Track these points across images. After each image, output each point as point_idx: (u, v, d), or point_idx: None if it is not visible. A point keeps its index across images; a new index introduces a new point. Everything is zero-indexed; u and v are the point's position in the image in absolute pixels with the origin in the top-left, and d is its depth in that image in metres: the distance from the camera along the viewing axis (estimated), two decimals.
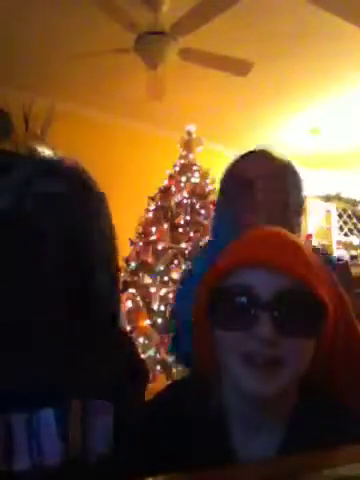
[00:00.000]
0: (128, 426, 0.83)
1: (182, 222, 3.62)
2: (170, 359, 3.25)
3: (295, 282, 0.70)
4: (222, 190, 1.45)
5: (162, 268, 3.49)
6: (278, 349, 0.69)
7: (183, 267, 3.47)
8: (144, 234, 3.66)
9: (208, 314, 0.76)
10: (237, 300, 0.72)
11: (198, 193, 3.76)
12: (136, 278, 3.52)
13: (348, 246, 6.51)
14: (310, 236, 6.04)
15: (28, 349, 0.79)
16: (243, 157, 1.45)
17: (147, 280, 3.48)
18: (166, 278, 3.45)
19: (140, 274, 3.51)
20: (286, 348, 0.69)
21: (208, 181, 3.86)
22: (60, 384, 0.79)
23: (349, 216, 6.74)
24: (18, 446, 0.75)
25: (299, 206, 1.37)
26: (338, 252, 6.29)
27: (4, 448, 0.74)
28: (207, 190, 3.81)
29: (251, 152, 1.46)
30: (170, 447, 0.76)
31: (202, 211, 3.71)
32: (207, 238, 3.60)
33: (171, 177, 3.81)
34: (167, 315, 3.34)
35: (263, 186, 1.31)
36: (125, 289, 3.47)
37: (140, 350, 3.22)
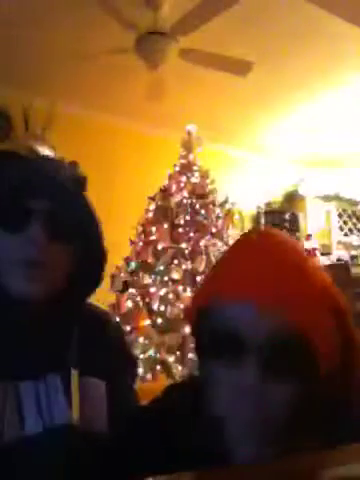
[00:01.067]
0: (121, 416, 0.85)
1: (182, 222, 3.61)
2: (170, 359, 3.25)
3: (287, 323, 0.63)
4: None
5: (162, 268, 3.49)
6: (262, 397, 0.64)
7: (183, 267, 3.47)
8: (144, 234, 3.66)
9: (197, 335, 0.74)
10: (222, 340, 0.66)
11: (198, 193, 3.76)
12: (136, 278, 3.51)
13: (348, 246, 6.51)
14: (310, 236, 6.04)
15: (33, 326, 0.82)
16: None
17: (147, 280, 3.48)
18: (166, 278, 3.45)
19: (140, 274, 3.51)
20: (271, 396, 0.65)
21: (208, 181, 3.85)
22: (61, 356, 0.82)
23: (349, 216, 6.74)
24: (28, 411, 0.77)
25: None
26: (338, 252, 6.29)
27: (16, 415, 0.76)
28: (207, 190, 3.81)
29: None
30: (169, 448, 0.76)
31: (202, 211, 3.71)
32: (207, 238, 3.60)
33: (171, 177, 3.81)
34: (167, 315, 3.34)
35: None
36: (125, 289, 3.47)
37: (140, 350, 3.22)
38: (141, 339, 3.27)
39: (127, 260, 3.59)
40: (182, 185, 3.75)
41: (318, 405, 0.71)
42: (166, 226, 3.61)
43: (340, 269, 4.43)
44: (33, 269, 0.79)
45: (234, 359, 0.64)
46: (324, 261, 5.56)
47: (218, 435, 0.77)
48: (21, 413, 0.77)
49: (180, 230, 3.59)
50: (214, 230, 3.69)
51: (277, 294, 0.63)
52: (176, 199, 3.69)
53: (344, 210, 6.69)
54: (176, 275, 3.43)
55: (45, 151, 3.28)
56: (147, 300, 3.42)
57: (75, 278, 0.86)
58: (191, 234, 3.58)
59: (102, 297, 1.24)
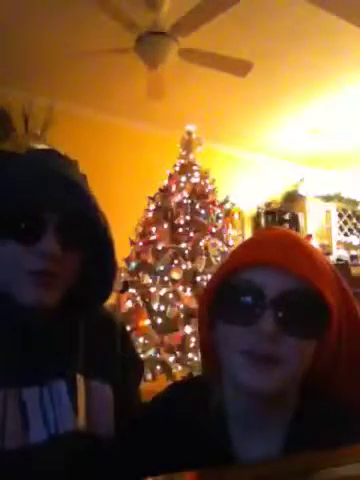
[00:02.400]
0: (127, 417, 0.84)
1: (182, 222, 3.61)
2: (170, 359, 3.25)
3: (301, 283, 0.71)
4: None
5: (162, 268, 3.48)
6: (278, 347, 0.69)
7: (183, 267, 3.47)
8: (144, 234, 3.66)
9: (214, 308, 0.77)
10: (243, 296, 0.73)
11: (198, 193, 3.76)
12: (136, 278, 3.51)
13: (348, 246, 6.52)
14: (310, 236, 6.04)
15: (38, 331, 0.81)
16: None
17: (147, 280, 3.48)
18: (166, 278, 3.45)
19: (140, 274, 3.51)
20: (286, 347, 0.70)
21: (208, 181, 3.85)
22: (66, 361, 0.81)
23: (349, 216, 6.75)
24: (32, 417, 0.76)
25: None
26: (338, 252, 6.30)
27: (20, 422, 0.75)
28: (207, 190, 3.81)
29: None
30: (170, 447, 0.76)
31: (202, 211, 3.70)
32: (207, 238, 3.60)
33: (171, 177, 3.81)
34: (167, 315, 3.34)
35: None
36: (125, 289, 3.47)
37: (140, 350, 3.22)
38: (141, 339, 3.27)
39: (127, 260, 3.59)
40: (182, 185, 3.75)
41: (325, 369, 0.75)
42: (166, 226, 3.61)
43: (340, 269, 4.42)
44: (45, 278, 0.78)
45: (253, 313, 0.70)
46: None
47: (220, 434, 0.77)
48: (26, 419, 0.76)
49: (180, 230, 3.59)
50: (214, 230, 3.69)
51: (290, 259, 0.72)
52: (176, 199, 3.69)
53: (344, 210, 6.69)
54: (176, 275, 3.43)
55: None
56: (147, 300, 3.42)
57: (85, 284, 0.85)
58: (191, 234, 3.58)
59: None
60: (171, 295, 3.40)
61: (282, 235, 0.78)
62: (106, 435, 0.82)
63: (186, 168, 3.82)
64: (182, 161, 3.86)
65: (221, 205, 3.93)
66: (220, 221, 3.79)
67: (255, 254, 0.74)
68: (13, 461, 0.73)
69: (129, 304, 3.42)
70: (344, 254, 6.27)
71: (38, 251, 0.77)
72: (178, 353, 3.26)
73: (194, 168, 3.84)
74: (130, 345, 0.99)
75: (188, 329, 3.26)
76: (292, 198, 6.36)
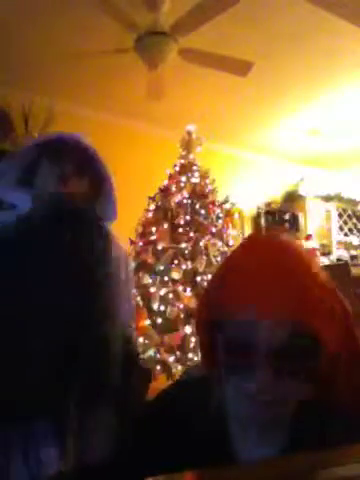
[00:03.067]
0: (130, 424, 0.84)
1: (182, 222, 3.61)
2: (170, 359, 3.25)
3: (295, 325, 0.68)
4: None
5: (162, 268, 3.49)
6: (274, 393, 0.69)
7: (183, 267, 3.47)
8: (144, 234, 3.66)
9: (211, 328, 0.76)
10: (236, 348, 0.71)
11: (198, 193, 3.76)
12: (136, 278, 3.51)
13: (348, 246, 6.51)
14: (310, 236, 6.04)
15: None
16: None
17: (147, 280, 3.48)
18: (166, 278, 3.45)
19: (140, 274, 3.51)
20: (283, 391, 0.69)
21: (208, 181, 3.85)
22: (58, 391, 0.81)
23: (349, 216, 6.74)
24: (14, 460, 0.76)
25: None
26: (338, 252, 6.29)
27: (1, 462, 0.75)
28: (207, 190, 3.81)
29: None
30: (170, 448, 0.76)
31: (202, 211, 3.71)
32: (207, 238, 3.60)
33: (171, 177, 3.81)
34: (167, 315, 3.34)
35: None
36: None
37: (140, 350, 3.22)
38: (141, 339, 3.27)
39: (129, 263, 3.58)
40: (182, 185, 3.75)
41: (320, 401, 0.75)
42: (166, 226, 3.61)
43: (340, 269, 4.42)
44: None
45: (249, 364, 0.69)
46: (324, 261, 5.56)
47: (220, 434, 0.77)
48: (7, 460, 0.75)
49: (180, 230, 3.59)
50: (214, 230, 3.69)
51: (280, 303, 0.67)
52: (176, 199, 3.69)
53: (344, 210, 6.69)
54: (176, 275, 3.43)
55: None
56: (147, 300, 3.42)
57: None
58: (191, 234, 3.58)
59: None
60: (171, 295, 3.40)
61: (268, 266, 0.71)
62: (102, 459, 0.82)
63: (186, 168, 3.82)
64: (182, 161, 3.86)
65: (221, 205, 3.93)
66: (220, 221, 3.79)
67: (241, 304, 0.70)
68: None
69: None
70: (344, 254, 6.26)
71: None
72: (178, 353, 3.26)
73: (194, 168, 3.84)
74: (135, 361, 1.00)
75: (188, 329, 3.26)
76: (292, 198, 6.36)
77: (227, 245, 3.71)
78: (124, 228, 3.64)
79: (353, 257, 6.14)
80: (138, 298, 3.42)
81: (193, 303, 3.27)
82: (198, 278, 3.45)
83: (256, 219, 6.13)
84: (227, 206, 4.00)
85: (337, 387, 0.77)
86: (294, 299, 0.68)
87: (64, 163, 1.29)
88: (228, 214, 3.98)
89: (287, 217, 6.19)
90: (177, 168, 3.84)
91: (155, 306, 3.38)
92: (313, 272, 0.72)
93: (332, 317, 0.72)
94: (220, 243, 3.68)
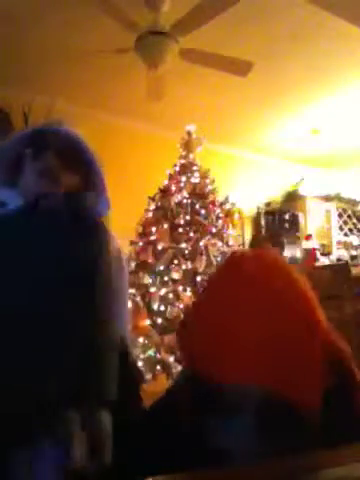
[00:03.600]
0: (128, 428, 0.84)
1: (182, 222, 3.61)
2: (170, 359, 3.25)
3: (273, 395, 0.69)
4: None
5: (162, 268, 3.49)
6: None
7: (183, 267, 3.47)
8: (144, 234, 3.66)
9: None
10: (215, 406, 0.73)
11: (198, 193, 3.76)
12: (136, 278, 3.51)
13: (348, 246, 6.51)
14: (310, 236, 6.04)
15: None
16: None
17: (147, 280, 3.48)
18: (166, 278, 3.45)
19: (140, 274, 3.51)
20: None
21: (208, 181, 3.85)
22: (62, 408, 0.80)
23: (349, 216, 6.74)
24: (39, 458, 0.76)
25: None
26: (338, 252, 6.29)
27: None
28: (207, 190, 3.81)
29: None
30: (170, 448, 0.76)
31: (202, 211, 3.70)
32: (207, 238, 3.60)
33: (171, 177, 3.81)
34: (167, 315, 3.34)
35: None
36: None
37: (140, 350, 3.22)
38: (141, 339, 3.26)
39: (127, 260, 3.58)
40: (182, 185, 3.75)
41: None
42: (166, 226, 3.61)
43: (340, 269, 4.42)
44: None
45: (228, 423, 0.70)
46: (324, 261, 5.56)
47: (219, 434, 0.77)
48: (30, 457, 0.76)
49: (180, 230, 3.59)
50: (214, 230, 3.69)
51: (261, 371, 0.69)
52: (176, 199, 3.69)
53: (344, 210, 6.69)
54: (176, 275, 3.43)
55: None
56: (147, 300, 3.42)
57: None
58: (191, 234, 3.58)
59: None
60: (171, 295, 3.39)
61: (249, 330, 0.72)
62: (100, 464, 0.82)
63: (186, 168, 3.82)
64: (182, 161, 3.86)
65: (221, 205, 3.92)
66: (220, 221, 3.79)
67: (233, 374, 0.71)
68: None
69: (129, 304, 3.41)
70: (344, 254, 6.26)
71: None
72: (178, 353, 3.26)
73: (194, 168, 3.84)
74: (129, 358, 1.02)
75: None
76: (292, 198, 6.35)
77: (227, 245, 3.71)
78: (124, 228, 3.65)
79: (353, 257, 6.13)
80: (138, 298, 3.42)
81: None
82: (198, 278, 3.45)
83: (256, 219, 6.13)
84: (227, 206, 3.99)
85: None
86: (272, 374, 0.69)
87: (48, 157, 1.19)
88: (228, 214, 3.97)
89: (287, 217, 6.19)
90: (177, 168, 3.84)
91: (155, 306, 3.38)
92: (292, 321, 0.72)
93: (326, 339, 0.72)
94: (220, 243, 3.68)
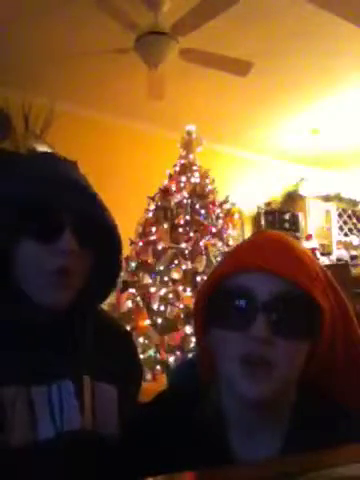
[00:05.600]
0: (127, 421, 0.85)
1: (182, 222, 3.61)
2: (170, 359, 3.25)
3: (292, 286, 0.71)
4: None
5: (162, 268, 3.49)
6: (272, 350, 0.70)
7: (183, 267, 3.47)
8: (144, 234, 3.66)
9: (207, 315, 0.77)
10: (235, 301, 0.73)
11: (198, 193, 3.76)
12: (136, 278, 3.51)
13: (348, 246, 6.51)
14: (310, 236, 6.04)
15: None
16: None
17: (147, 280, 3.48)
18: (166, 278, 3.45)
19: (140, 274, 3.51)
20: (280, 349, 0.70)
21: (208, 181, 3.85)
22: (74, 362, 0.82)
23: (349, 216, 6.74)
24: (41, 415, 0.77)
25: None
26: (338, 252, 6.29)
27: (29, 419, 0.76)
28: (207, 190, 3.81)
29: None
30: (169, 448, 0.76)
31: (202, 211, 3.71)
32: (207, 238, 3.60)
33: (171, 177, 3.81)
34: (167, 315, 3.34)
35: None
36: (125, 289, 3.47)
37: (140, 350, 3.22)
38: (141, 339, 3.26)
39: (127, 260, 3.59)
40: (182, 185, 3.75)
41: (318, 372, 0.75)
42: (166, 226, 3.61)
43: (340, 269, 4.42)
44: (63, 278, 0.79)
45: (246, 318, 0.70)
46: (324, 261, 5.56)
47: (218, 436, 0.77)
48: (34, 417, 0.77)
49: (180, 230, 3.59)
50: (214, 230, 3.69)
51: (280, 263, 0.72)
52: (176, 199, 3.69)
53: (344, 210, 6.69)
54: (176, 275, 3.43)
55: (45, 150, 3.28)
56: (147, 300, 3.42)
57: (92, 281, 0.86)
58: (191, 234, 3.58)
59: None
60: (171, 295, 3.39)
61: (272, 239, 0.78)
62: (111, 435, 0.83)
63: (186, 168, 3.82)
64: (182, 161, 3.86)
65: (221, 205, 3.92)
66: (220, 221, 3.79)
67: (245, 259, 0.75)
68: (20, 458, 0.74)
69: (129, 304, 3.41)
70: (344, 254, 6.26)
71: (58, 249, 0.79)
72: (178, 353, 3.26)
73: (194, 168, 3.84)
74: (136, 356, 1.02)
75: (188, 329, 3.26)
76: (292, 198, 6.36)
77: (227, 245, 3.71)
78: (124, 228, 3.65)
79: (353, 257, 6.14)
80: (138, 298, 3.43)
81: (193, 303, 3.27)
82: (198, 278, 3.45)
83: (256, 219, 6.13)
84: (227, 206, 3.99)
85: (336, 379, 0.78)
86: (296, 267, 0.73)
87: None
88: (228, 214, 3.97)
89: (287, 217, 6.19)
90: (177, 168, 3.84)
91: (155, 306, 3.38)
92: (309, 253, 0.79)
93: (329, 290, 0.76)
94: (220, 243, 3.68)
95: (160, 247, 3.54)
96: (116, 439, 0.83)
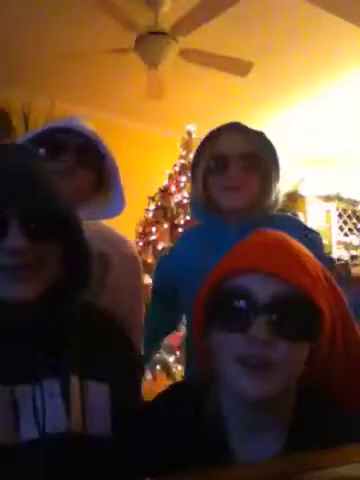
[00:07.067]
0: (126, 418, 0.84)
1: (182, 222, 3.61)
2: (170, 359, 3.24)
3: (291, 287, 0.71)
4: (195, 166, 1.41)
5: None
6: (272, 351, 0.70)
7: None
8: (144, 234, 3.66)
9: (207, 316, 0.77)
10: (235, 302, 0.73)
11: None
12: None
13: (348, 246, 6.51)
14: None
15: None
16: (218, 132, 1.44)
17: (147, 280, 3.48)
18: None
19: None
20: (280, 351, 0.70)
21: None
22: (59, 360, 0.81)
23: (349, 216, 6.74)
24: (24, 416, 0.76)
25: (276, 180, 1.36)
26: (338, 252, 6.29)
27: (12, 419, 0.75)
28: None
29: (226, 127, 1.45)
30: (169, 448, 0.76)
31: None
32: None
33: (171, 177, 3.81)
34: None
35: (239, 165, 1.32)
36: None
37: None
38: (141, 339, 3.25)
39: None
40: (182, 185, 3.75)
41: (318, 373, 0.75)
42: (166, 226, 3.61)
43: (340, 269, 4.42)
44: (21, 271, 0.78)
45: (246, 319, 0.70)
46: None
47: (218, 436, 0.77)
48: (17, 417, 0.76)
49: (180, 230, 3.59)
50: None
51: (280, 264, 0.72)
52: (176, 199, 3.69)
53: (344, 210, 6.68)
54: None
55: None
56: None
57: (65, 277, 0.85)
58: None
59: None
60: None
61: (272, 239, 0.78)
62: (101, 436, 0.81)
63: (186, 168, 3.82)
64: (182, 161, 3.86)
65: None
66: None
67: (245, 260, 0.75)
68: (1, 457, 0.73)
69: None
70: (344, 254, 6.26)
71: (5, 248, 0.77)
72: (178, 353, 3.25)
73: None
74: (128, 344, 0.98)
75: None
76: (292, 198, 6.35)
77: None
78: (124, 228, 3.65)
79: (353, 257, 6.13)
80: None
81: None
82: None
83: None
84: None
85: (336, 379, 0.78)
86: (296, 268, 0.73)
87: (67, 155, 1.22)
88: None
89: None
90: (177, 168, 3.84)
91: None
92: (308, 254, 0.79)
93: (328, 290, 0.76)
94: None
95: (160, 247, 3.54)
96: (109, 439, 0.81)
